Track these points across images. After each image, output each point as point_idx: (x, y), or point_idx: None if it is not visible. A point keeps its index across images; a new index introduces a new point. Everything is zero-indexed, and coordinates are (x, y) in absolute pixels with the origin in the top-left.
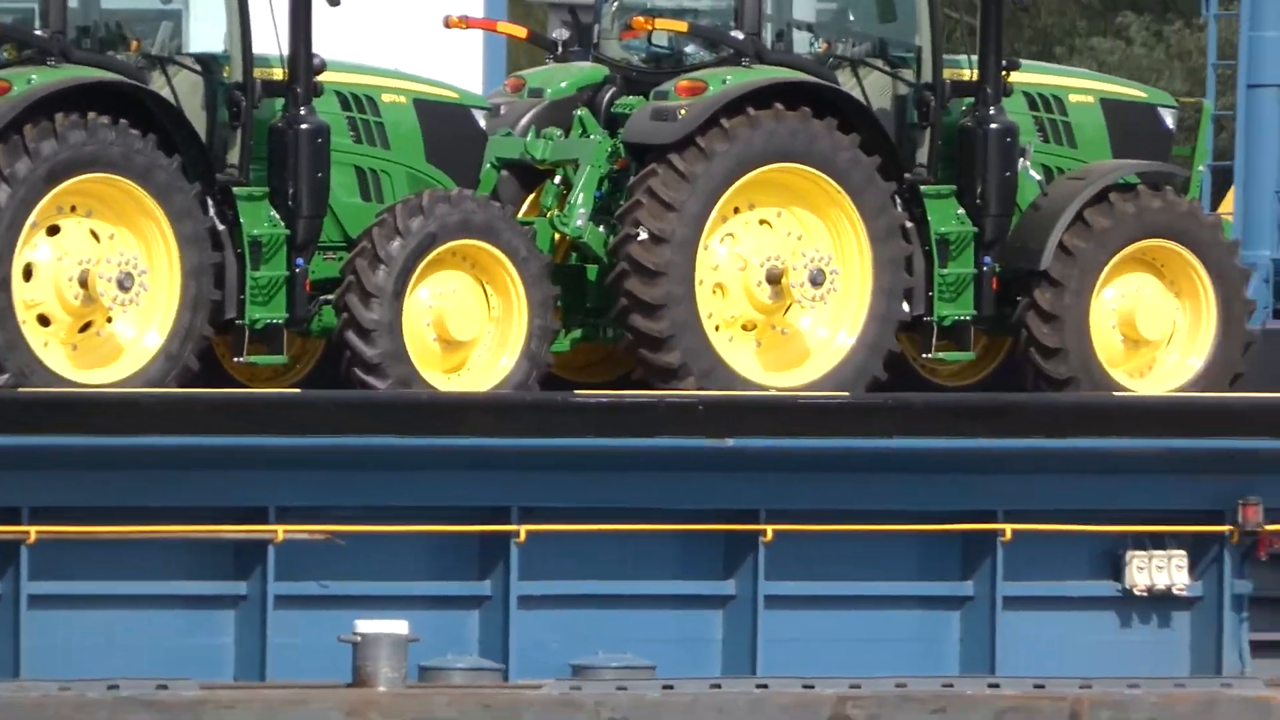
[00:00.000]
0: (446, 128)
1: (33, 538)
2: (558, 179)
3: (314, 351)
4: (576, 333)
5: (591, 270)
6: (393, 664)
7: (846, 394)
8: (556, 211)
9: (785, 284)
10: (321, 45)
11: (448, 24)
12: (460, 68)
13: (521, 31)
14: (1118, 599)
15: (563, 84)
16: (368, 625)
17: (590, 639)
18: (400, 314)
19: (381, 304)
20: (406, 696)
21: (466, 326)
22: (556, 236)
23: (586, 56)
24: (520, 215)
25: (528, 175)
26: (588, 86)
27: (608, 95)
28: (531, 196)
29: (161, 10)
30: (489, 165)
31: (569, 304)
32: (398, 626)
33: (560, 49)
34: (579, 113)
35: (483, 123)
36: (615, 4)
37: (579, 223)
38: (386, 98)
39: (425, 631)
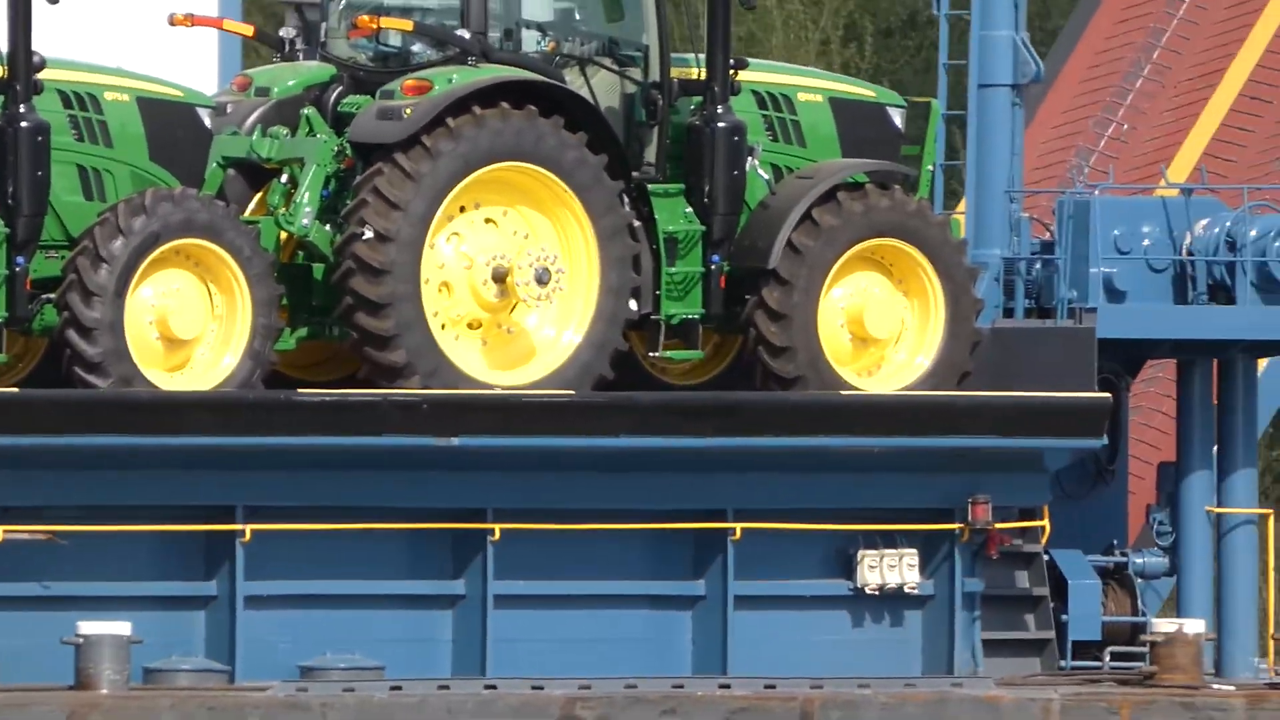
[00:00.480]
0: (170, 126)
1: None
2: (284, 178)
3: (36, 350)
4: (303, 331)
5: (318, 269)
6: (115, 666)
7: (572, 392)
8: (283, 210)
9: (511, 283)
10: (43, 43)
11: (172, 21)
12: (196, 67)
13: (248, 30)
14: (850, 598)
15: (290, 83)
16: (90, 627)
17: (319, 640)
18: (122, 312)
19: (103, 303)
20: (129, 699)
21: (189, 325)
22: (283, 235)
23: (315, 55)
24: (247, 214)
25: (254, 174)
26: (315, 85)
27: (335, 94)
28: (259, 195)
29: None
30: (215, 164)
31: (295, 302)
32: (120, 628)
33: (288, 48)
34: (306, 112)
35: (208, 121)
36: (342, 3)
37: (305, 221)
38: (109, 96)
39: (150, 633)
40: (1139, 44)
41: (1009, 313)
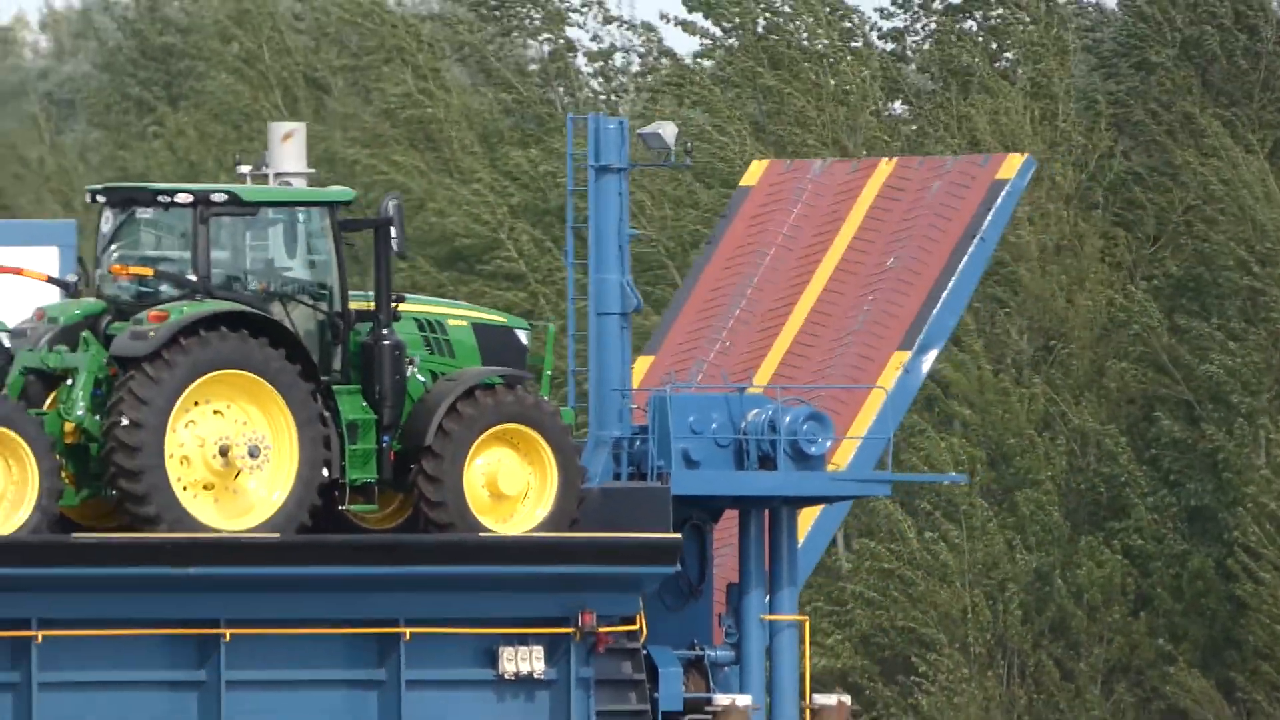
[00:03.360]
0: None
1: None
2: (70, 381)
3: None
4: (85, 491)
5: (94, 448)
6: None
7: (277, 534)
8: (63, 404)
9: (232, 456)
10: None
11: None
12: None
13: (43, 276)
14: (494, 682)
15: (75, 312)
16: None
17: (102, 716)
18: None
19: None
20: None
21: None
22: (67, 425)
23: (93, 293)
24: (45, 408)
25: (49, 380)
26: (91, 315)
27: (106, 321)
28: (52, 395)
29: None
30: (18, 372)
31: (80, 471)
32: None
33: (72, 288)
34: (84, 334)
35: (8, 343)
36: (113, 254)
37: (79, 412)
38: None
39: None
40: (738, 281)
41: (617, 476)
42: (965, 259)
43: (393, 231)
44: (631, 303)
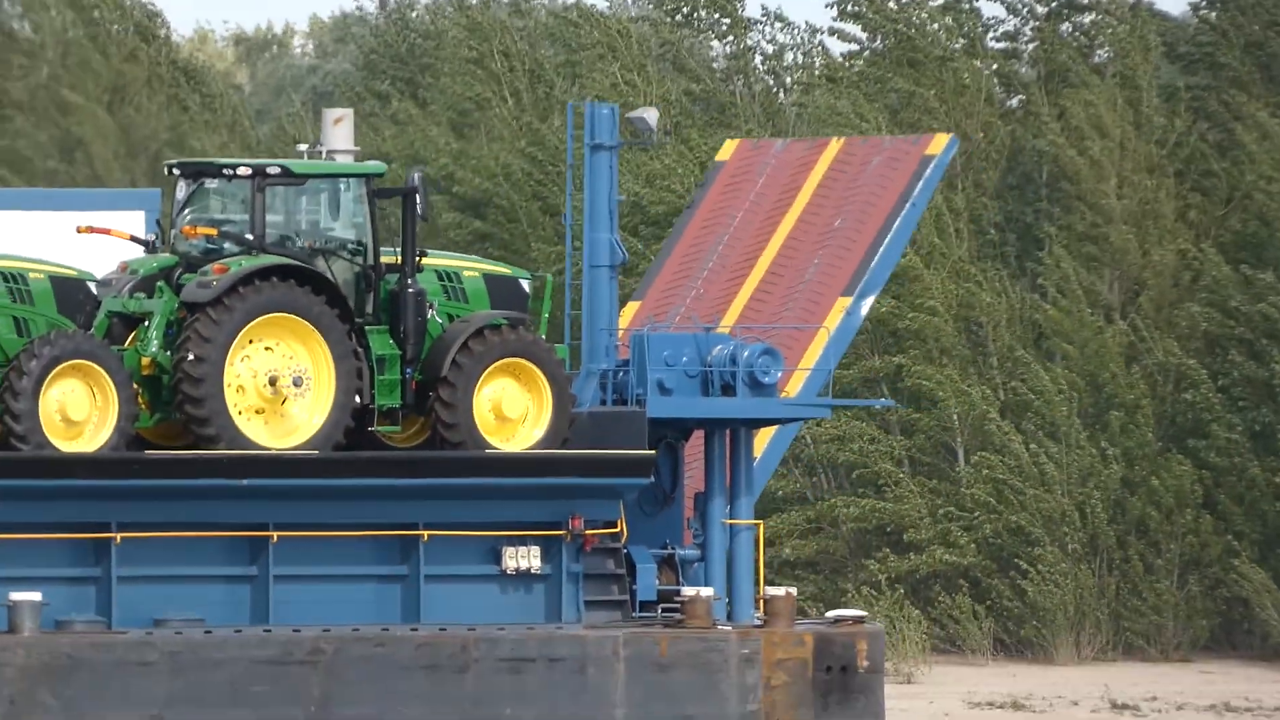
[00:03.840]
0: (69, 292)
1: None
2: (146, 323)
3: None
4: (158, 415)
5: (165, 379)
6: (32, 619)
7: (317, 452)
8: (140, 342)
9: (279, 385)
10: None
11: (78, 230)
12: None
13: (126, 235)
14: (498, 576)
15: (152, 265)
16: (16, 595)
17: (167, 603)
18: (37, 405)
19: (24, 399)
20: (41, 637)
21: (79, 412)
22: (144, 359)
23: (168, 249)
24: (126, 345)
25: (129, 322)
26: (166, 267)
27: (178, 273)
28: (132, 335)
29: None
30: (104, 316)
31: (154, 398)
32: (34, 596)
33: (151, 245)
34: (159, 283)
35: (94, 289)
36: (186, 217)
37: (153, 348)
38: (32, 275)
39: (59, 599)
40: (712, 239)
41: (603, 402)
42: (899, 220)
43: (417, 199)
44: (618, 256)
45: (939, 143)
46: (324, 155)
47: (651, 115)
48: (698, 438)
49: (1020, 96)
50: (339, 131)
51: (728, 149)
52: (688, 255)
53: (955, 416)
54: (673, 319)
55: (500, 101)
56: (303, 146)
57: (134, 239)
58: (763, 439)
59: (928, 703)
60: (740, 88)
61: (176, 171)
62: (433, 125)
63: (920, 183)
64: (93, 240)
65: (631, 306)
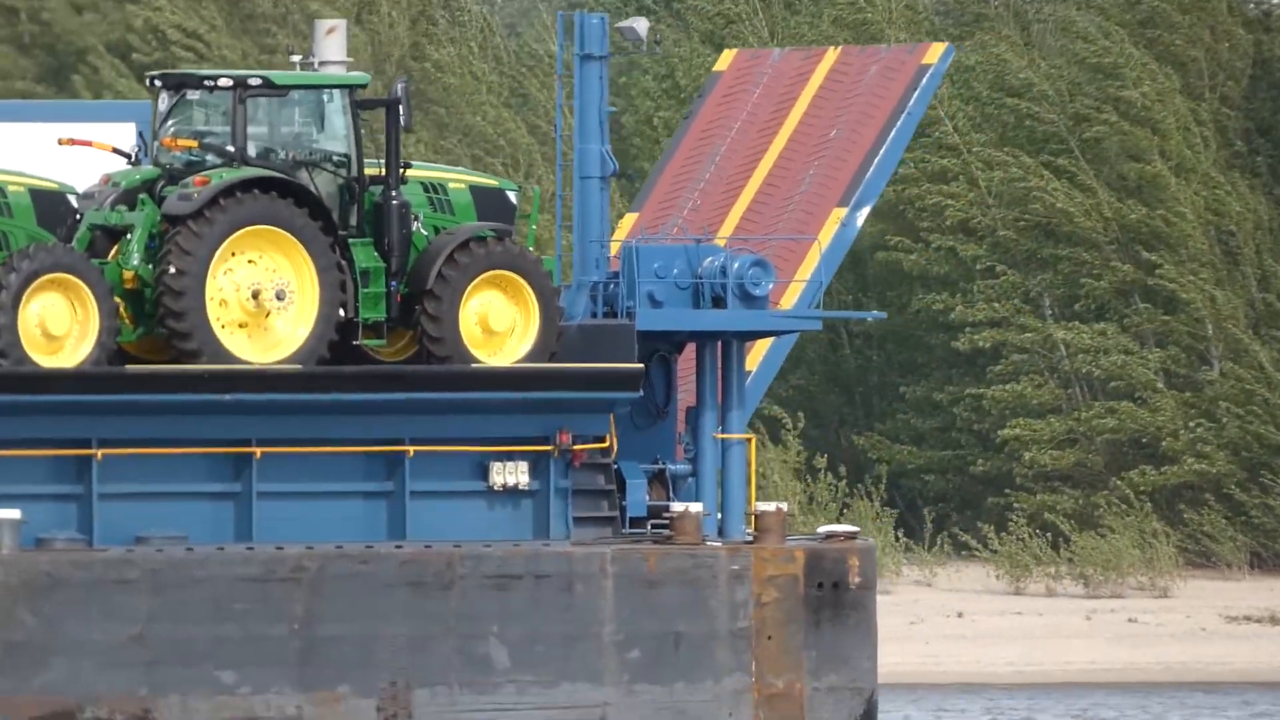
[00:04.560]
0: (49, 205)
1: None
2: (128, 236)
3: None
4: (141, 330)
5: (148, 292)
6: (11, 536)
7: (300, 366)
8: (122, 255)
9: (262, 299)
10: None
11: (60, 142)
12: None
13: (108, 147)
14: (486, 493)
15: (135, 178)
16: None
17: (149, 520)
18: (16, 320)
19: (3, 313)
20: (20, 555)
21: (60, 326)
22: (126, 273)
23: (149, 161)
24: (109, 259)
25: (112, 235)
26: (149, 180)
27: (160, 186)
28: (115, 248)
29: None
30: (85, 229)
31: (137, 312)
32: (13, 514)
33: (133, 157)
34: (141, 196)
35: (75, 202)
36: (169, 129)
37: (135, 261)
38: (11, 187)
39: (40, 516)
40: (709, 150)
41: (594, 315)
42: (894, 131)
43: (400, 110)
44: (609, 168)
45: (935, 51)
46: (316, 66)
47: (641, 25)
48: (692, 351)
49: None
50: (331, 42)
51: (725, 59)
52: (684, 166)
53: (1208, 324)
54: (670, 230)
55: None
56: (296, 57)
57: (116, 151)
58: (759, 353)
59: (1184, 616)
60: None
61: (159, 83)
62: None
63: (916, 92)
64: (77, 152)
65: (629, 218)
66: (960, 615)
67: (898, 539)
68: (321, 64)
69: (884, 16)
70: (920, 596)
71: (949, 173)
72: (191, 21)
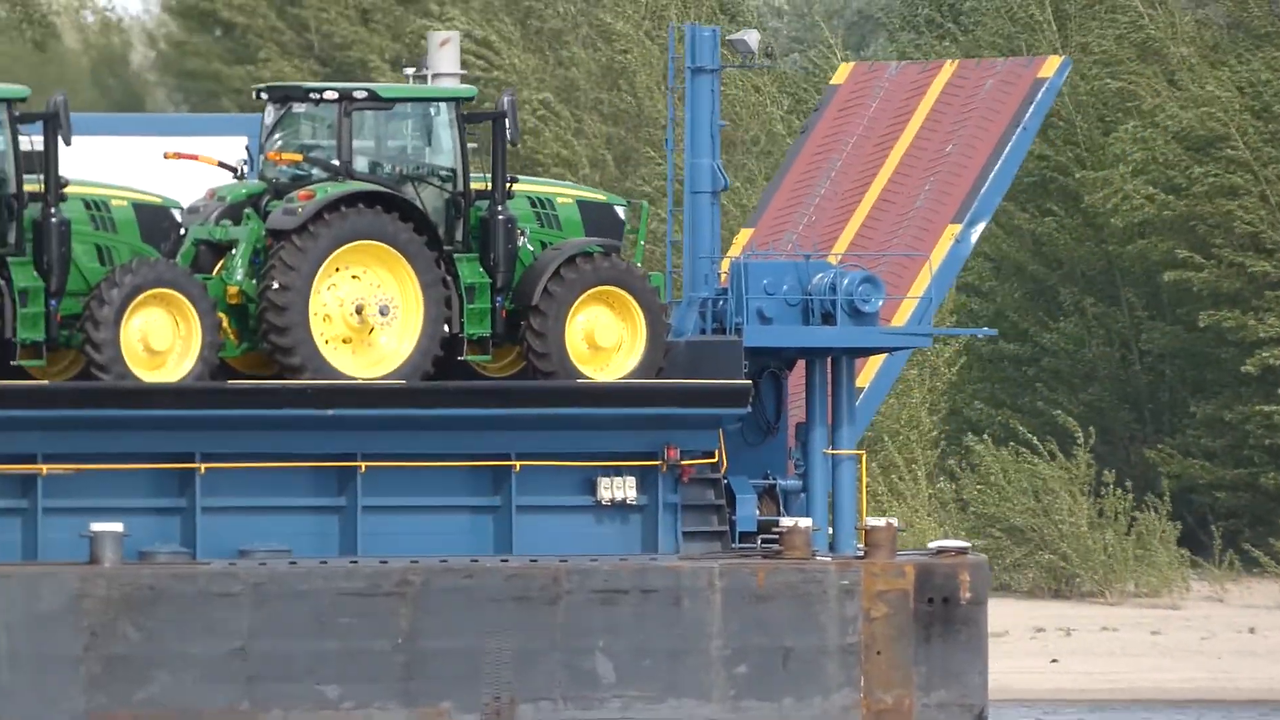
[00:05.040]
0: (153, 220)
1: None
2: (233, 251)
3: (78, 360)
4: (245, 345)
5: (252, 307)
6: (114, 550)
7: (404, 382)
8: (226, 270)
9: (366, 314)
10: (75, 168)
11: (165, 156)
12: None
13: (213, 161)
14: (593, 507)
15: (240, 191)
16: (98, 526)
17: (252, 534)
18: (119, 335)
19: (105, 328)
20: (123, 569)
21: (162, 341)
22: (230, 288)
23: (255, 175)
24: (214, 274)
25: (216, 249)
26: (254, 194)
27: (265, 200)
28: (220, 262)
29: None
30: (190, 244)
31: (241, 327)
32: (116, 527)
33: (239, 171)
34: (246, 210)
35: (178, 216)
36: (276, 142)
37: (238, 277)
38: (115, 202)
39: (143, 530)
40: (825, 165)
41: (703, 331)
42: (1010, 145)
43: (506, 123)
44: (720, 182)
45: (1051, 65)
46: (429, 79)
47: (753, 37)
48: (804, 368)
49: None
50: (444, 54)
51: (842, 72)
52: (800, 181)
53: None
54: (785, 246)
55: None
56: (409, 70)
57: (221, 164)
58: (872, 370)
59: None
60: None
61: (264, 96)
62: None
63: (1032, 106)
64: (184, 166)
65: (744, 234)
66: (1252, 631)
67: (1183, 554)
68: (434, 76)
69: (1166, 33)
70: (1211, 612)
71: (1239, 189)
72: (483, 30)
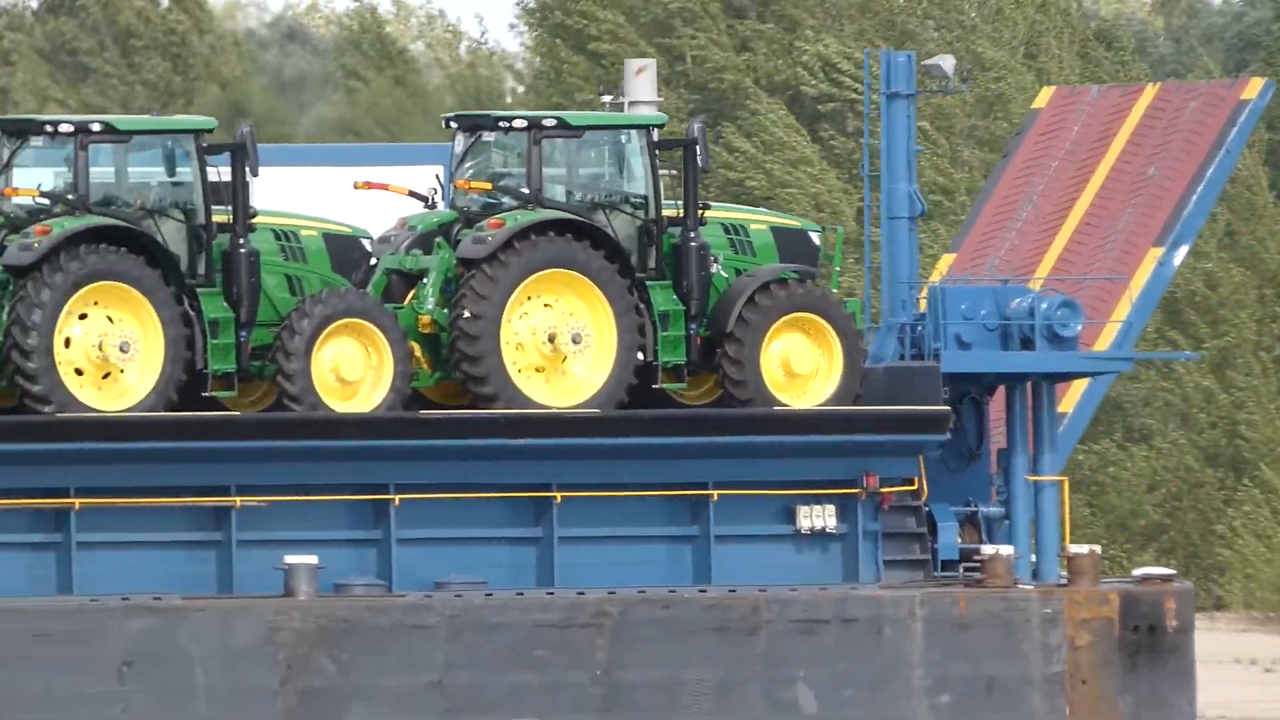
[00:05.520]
0: (343, 250)
1: (78, 506)
2: (424, 280)
3: (272, 390)
4: (438, 374)
5: (444, 336)
6: (308, 582)
7: (598, 410)
8: (418, 300)
9: (558, 343)
10: (264, 199)
11: (356, 186)
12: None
13: (404, 190)
14: (793, 536)
15: (431, 220)
16: (291, 558)
17: (447, 566)
18: (309, 365)
19: (297, 359)
20: (316, 601)
21: (354, 371)
22: (422, 318)
23: (447, 205)
24: (405, 303)
25: (408, 279)
26: (445, 223)
27: (456, 228)
28: (411, 292)
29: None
30: (381, 273)
31: (434, 357)
32: (310, 559)
33: (430, 200)
34: (437, 239)
35: (368, 246)
36: (467, 171)
37: (430, 306)
38: (304, 232)
39: (338, 562)
40: (1027, 189)
41: (902, 357)
42: (1213, 167)
43: (698, 150)
44: (917, 208)
45: (1254, 87)
46: (625, 107)
47: (948, 63)
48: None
49: None
50: (641, 82)
51: (1044, 96)
52: (1002, 206)
53: None
54: (987, 271)
55: None
56: (606, 98)
57: (412, 194)
58: (1075, 395)
59: None
60: None
61: (454, 124)
62: None
63: (1235, 129)
64: (375, 196)
65: (946, 258)
66: None
67: None
68: (631, 104)
69: None
70: None
71: None
72: (859, 54)
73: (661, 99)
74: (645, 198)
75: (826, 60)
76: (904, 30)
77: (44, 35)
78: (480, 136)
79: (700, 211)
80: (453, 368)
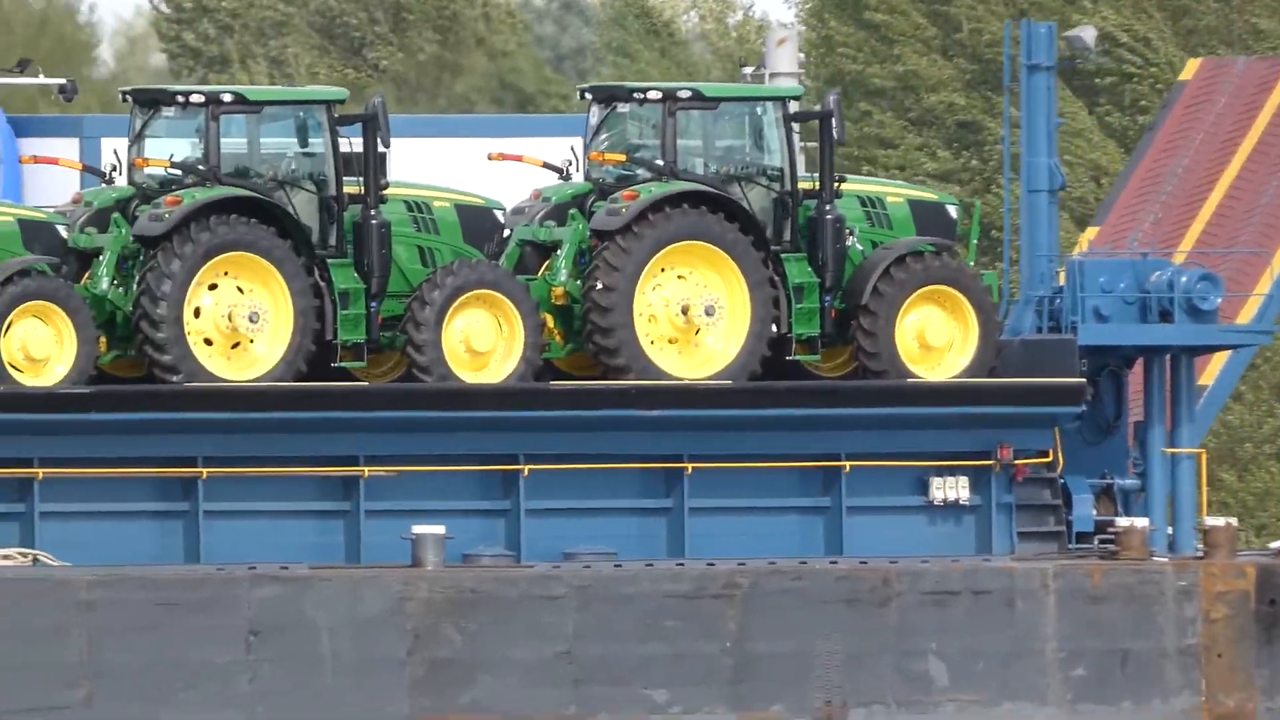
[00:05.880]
0: (476, 221)
1: (205, 475)
2: (557, 251)
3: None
4: (571, 346)
5: (577, 308)
6: (435, 552)
7: (730, 382)
8: (550, 271)
9: (691, 314)
10: (400, 170)
11: (490, 157)
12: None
13: (539, 161)
14: (925, 508)
15: (566, 192)
16: (419, 528)
17: (576, 537)
18: (440, 336)
19: (427, 329)
20: (443, 572)
21: (484, 342)
22: (555, 289)
23: (582, 176)
24: (539, 275)
25: (541, 250)
26: (579, 195)
27: (590, 200)
28: (545, 264)
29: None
30: (515, 244)
31: (567, 328)
32: (438, 529)
33: (565, 172)
34: (571, 211)
35: (500, 217)
36: (602, 143)
37: (563, 278)
38: (437, 203)
39: (467, 532)
40: (1172, 163)
41: (1040, 330)
42: None
43: (833, 122)
44: (1057, 180)
45: None
46: (766, 78)
47: (1089, 34)
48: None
49: None
50: (782, 53)
51: (1190, 68)
52: (1147, 179)
53: None
54: (1131, 244)
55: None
56: (747, 69)
57: (546, 165)
58: (1215, 368)
59: None
60: None
61: (588, 95)
62: None
63: None
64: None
65: (1090, 231)
66: None
67: None
68: (772, 75)
69: None
70: None
71: None
72: (1141, 25)
73: (802, 71)
74: (781, 170)
75: (1105, 34)
76: (1178, 4)
77: (315, 9)
78: (615, 108)
79: (836, 184)
80: (585, 339)
